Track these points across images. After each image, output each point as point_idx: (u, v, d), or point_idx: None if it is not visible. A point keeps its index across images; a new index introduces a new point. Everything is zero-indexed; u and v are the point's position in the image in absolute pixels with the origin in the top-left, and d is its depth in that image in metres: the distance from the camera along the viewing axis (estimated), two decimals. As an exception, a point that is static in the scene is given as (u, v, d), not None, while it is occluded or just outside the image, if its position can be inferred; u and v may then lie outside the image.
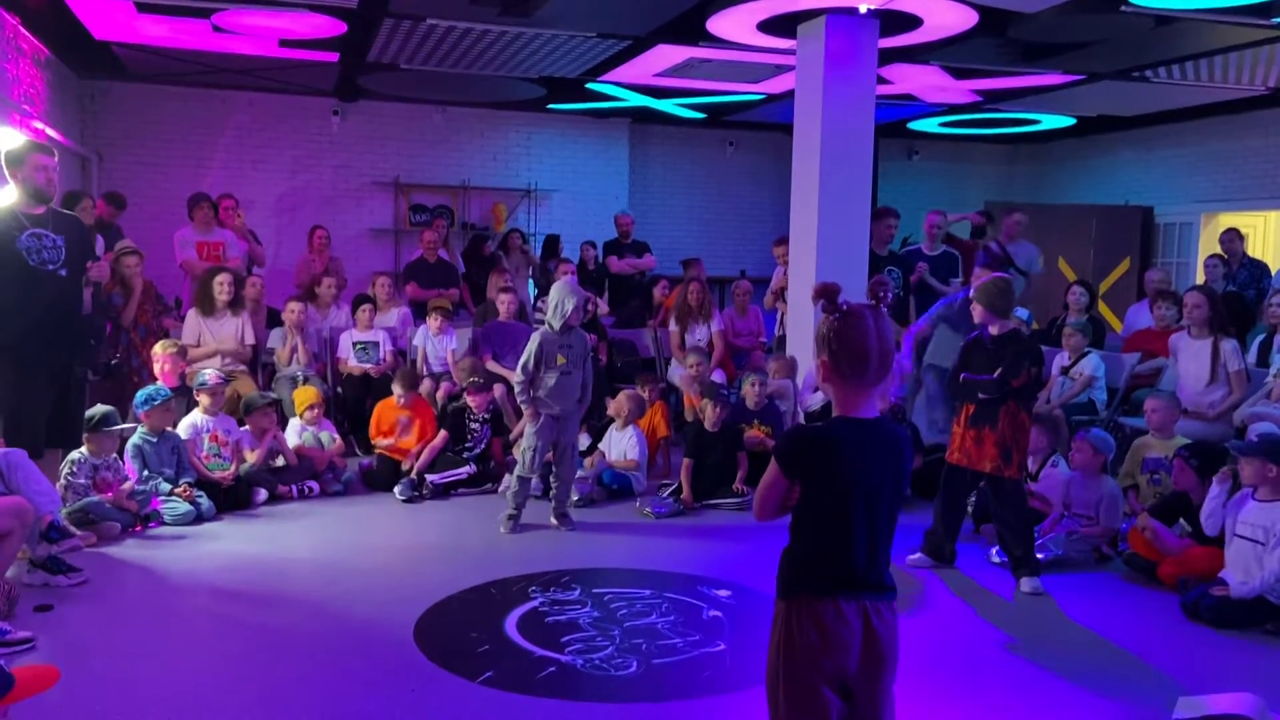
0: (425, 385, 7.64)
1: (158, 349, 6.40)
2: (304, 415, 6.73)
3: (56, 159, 5.00)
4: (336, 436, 6.80)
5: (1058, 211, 11.45)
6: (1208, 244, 10.76)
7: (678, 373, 7.98)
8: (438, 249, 9.38)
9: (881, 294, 2.50)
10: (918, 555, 5.18)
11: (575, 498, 6.03)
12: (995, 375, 4.75)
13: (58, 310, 4.90)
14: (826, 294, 2.43)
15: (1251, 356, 6.76)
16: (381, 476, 6.56)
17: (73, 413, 5.20)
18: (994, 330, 4.88)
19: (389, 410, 6.82)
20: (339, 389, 7.80)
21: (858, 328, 2.37)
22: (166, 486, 5.71)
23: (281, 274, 10.00)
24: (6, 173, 4.86)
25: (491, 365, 7.74)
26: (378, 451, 6.74)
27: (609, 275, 10.17)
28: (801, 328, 7.22)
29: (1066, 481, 5.53)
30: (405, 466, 6.57)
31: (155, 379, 6.35)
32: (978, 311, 4.88)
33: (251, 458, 6.28)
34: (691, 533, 5.78)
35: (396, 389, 6.83)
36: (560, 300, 5.54)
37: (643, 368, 8.44)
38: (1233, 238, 8.63)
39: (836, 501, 2.37)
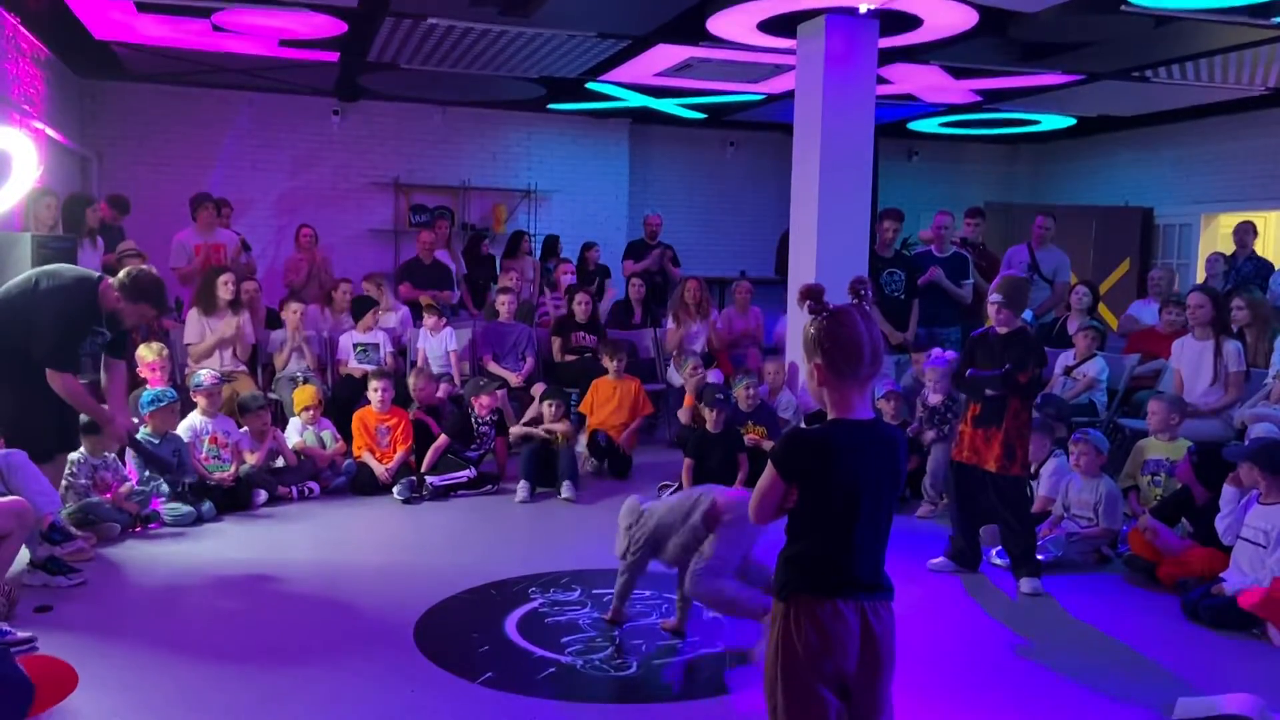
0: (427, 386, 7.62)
1: (143, 352, 6.15)
2: (301, 415, 6.71)
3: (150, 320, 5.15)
4: (338, 436, 6.79)
5: (1057, 212, 11.41)
6: (1208, 245, 10.77)
7: (677, 375, 7.97)
8: (434, 250, 9.33)
9: (862, 292, 2.49)
10: (940, 560, 5.17)
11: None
12: (1002, 370, 4.76)
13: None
14: (812, 295, 2.43)
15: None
16: (361, 482, 6.52)
17: (72, 417, 5.18)
18: (1002, 329, 4.89)
19: (368, 419, 6.74)
20: (333, 389, 7.74)
21: (847, 325, 2.38)
22: (167, 488, 5.70)
23: (281, 274, 10.00)
24: (124, 292, 4.81)
25: (491, 366, 7.74)
26: (357, 459, 6.67)
27: (632, 275, 9.89)
28: (800, 328, 7.19)
29: (1065, 483, 5.53)
30: (382, 472, 6.50)
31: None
32: (1003, 313, 4.86)
33: (251, 459, 6.27)
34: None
35: (373, 383, 6.73)
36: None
37: (644, 368, 8.42)
38: (1247, 230, 8.87)
39: (834, 504, 2.38)
